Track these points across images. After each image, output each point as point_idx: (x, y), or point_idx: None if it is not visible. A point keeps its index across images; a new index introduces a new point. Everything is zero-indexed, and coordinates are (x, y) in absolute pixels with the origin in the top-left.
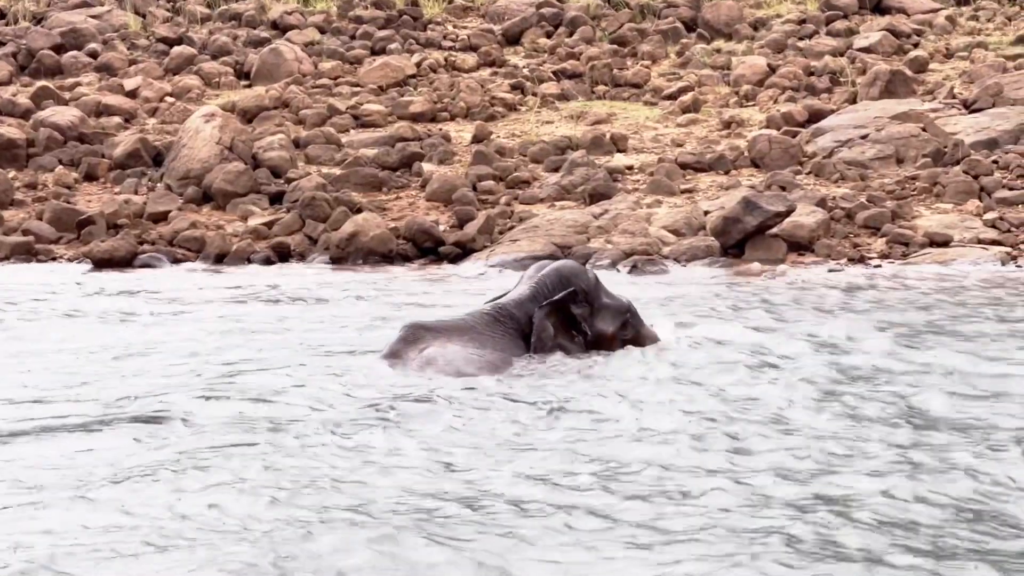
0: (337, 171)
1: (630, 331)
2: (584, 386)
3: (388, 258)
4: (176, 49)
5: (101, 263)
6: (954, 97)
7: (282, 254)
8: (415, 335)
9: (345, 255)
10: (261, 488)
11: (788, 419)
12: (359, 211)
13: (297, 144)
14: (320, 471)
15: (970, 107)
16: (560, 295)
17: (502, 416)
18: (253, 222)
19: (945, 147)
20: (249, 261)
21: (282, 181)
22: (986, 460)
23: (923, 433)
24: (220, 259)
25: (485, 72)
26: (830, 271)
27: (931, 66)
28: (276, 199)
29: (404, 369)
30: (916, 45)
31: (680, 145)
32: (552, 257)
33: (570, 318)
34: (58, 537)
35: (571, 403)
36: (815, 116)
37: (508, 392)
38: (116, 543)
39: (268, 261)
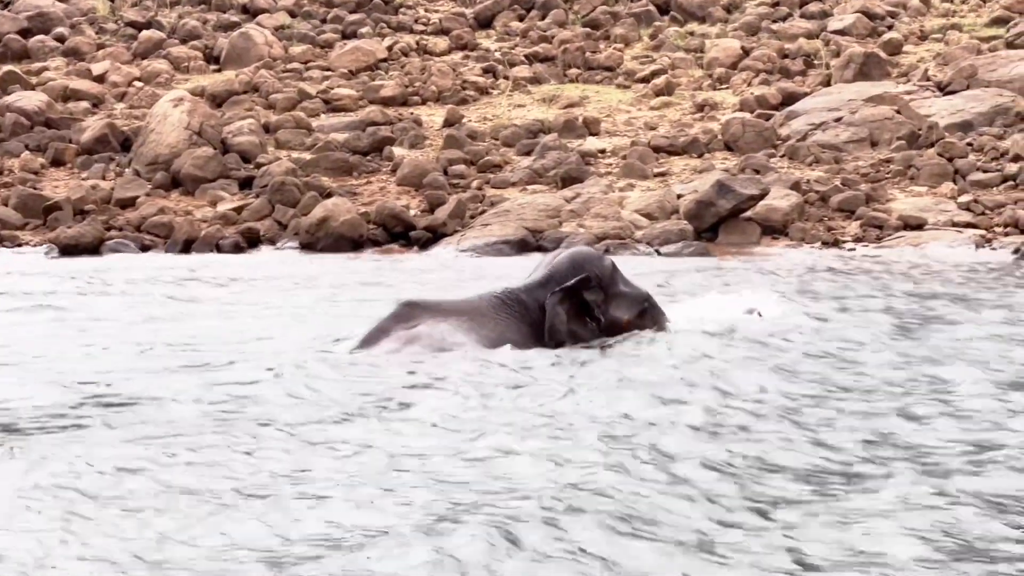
0: (307, 156)
1: (648, 321)
2: (559, 375)
3: (358, 243)
4: (145, 33)
5: (67, 249)
6: (928, 79)
7: (251, 240)
8: (407, 313)
9: (315, 240)
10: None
11: (766, 403)
12: (329, 196)
13: (267, 129)
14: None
15: (944, 89)
16: (573, 281)
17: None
18: (222, 207)
19: (919, 130)
20: (218, 247)
21: (251, 166)
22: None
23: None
24: (188, 245)
25: (457, 56)
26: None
27: (905, 48)
28: (245, 184)
29: (387, 345)
30: (890, 27)
31: (653, 128)
32: (523, 242)
33: (583, 305)
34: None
35: (537, 388)
36: (789, 99)
37: (477, 376)
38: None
39: (237, 247)
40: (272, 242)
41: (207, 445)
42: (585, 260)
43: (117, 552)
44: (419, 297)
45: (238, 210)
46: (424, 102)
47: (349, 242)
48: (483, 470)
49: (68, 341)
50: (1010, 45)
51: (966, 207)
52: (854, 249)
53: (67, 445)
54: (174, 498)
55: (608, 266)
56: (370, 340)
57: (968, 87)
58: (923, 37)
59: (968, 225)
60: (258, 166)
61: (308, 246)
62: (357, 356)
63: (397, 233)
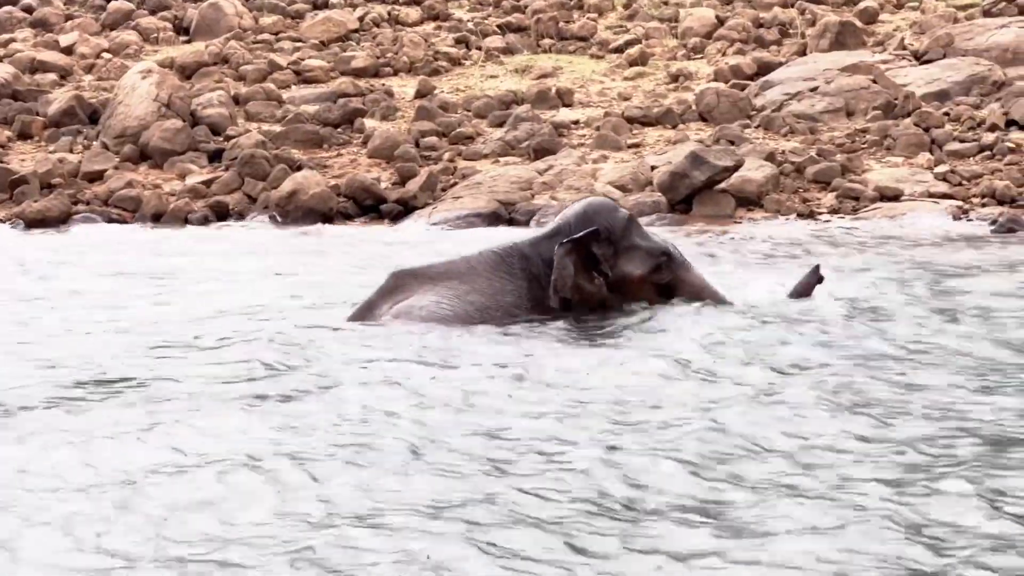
0: (277, 128)
1: (666, 275)
2: (540, 347)
3: (328, 216)
4: (113, 4)
5: (34, 223)
6: (904, 48)
7: (220, 213)
8: (397, 284)
9: (285, 214)
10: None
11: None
12: (299, 169)
13: (237, 101)
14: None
15: (921, 58)
16: (581, 233)
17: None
18: (191, 180)
19: (895, 99)
20: (187, 221)
21: (221, 138)
22: None
23: None
24: (157, 219)
25: (429, 26)
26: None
27: (881, 17)
28: (215, 157)
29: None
30: None
31: (627, 99)
32: (495, 214)
33: (592, 258)
34: None
35: (516, 366)
36: (764, 69)
37: (456, 353)
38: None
39: (206, 220)
40: (241, 216)
41: (211, 419)
42: (596, 211)
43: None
44: (409, 266)
45: (207, 183)
46: (396, 73)
47: (319, 215)
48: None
49: (40, 319)
50: (987, 13)
51: (943, 177)
52: (829, 221)
53: (60, 419)
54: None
55: (621, 217)
56: (357, 317)
57: (945, 56)
58: (899, 6)
59: (945, 196)
60: (228, 138)
61: (278, 220)
62: (345, 328)
63: (368, 206)
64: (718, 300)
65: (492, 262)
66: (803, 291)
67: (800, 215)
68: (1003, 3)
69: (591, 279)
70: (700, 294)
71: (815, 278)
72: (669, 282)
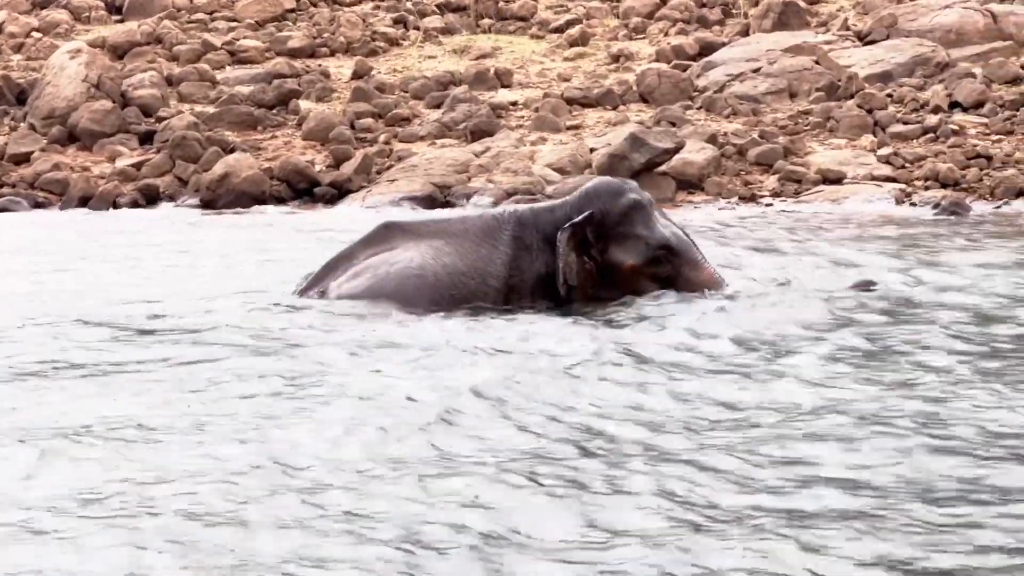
0: (211, 109)
1: (664, 270)
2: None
3: (261, 200)
4: None
5: None
6: (848, 29)
7: (150, 197)
8: (382, 235)
9: (216, 197)
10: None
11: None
12: (232, 151)
13: (169, 81)
14: None
15: (864, 39)
16: (579, 217)
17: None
18: (121, 163)
19: (839, 80)
20: (115, 204)
21: (152, 120)
22: None
23: None
24: (84, 202)
25: (367, 6)
26: (720, 209)
27: None
28: (146, 139)
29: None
30: None
31: (567, 80)
32: (430, 197)
33: (585, 243)
34: None
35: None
36: (706, 49)
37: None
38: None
39: (135, 204)
40: (172, 199)
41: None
42: (596, 193)
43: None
44: (402, 219)
45: (137, 166)
46: (333, 54)
47: (251, 199)
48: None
49: None
50: None
51: (886, 160)
52: (771, 204)
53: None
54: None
55: (623, 203)
56: (331, 267)
57: (888, 37)
58: None
59: (888, 179)
60: (159, 120)
61: (209, 203)
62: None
63: (301, 189)
64: None
65: (485, 226)
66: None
67: (742, 198)
68: None
69: (583, 264)
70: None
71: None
72: (669, 277)
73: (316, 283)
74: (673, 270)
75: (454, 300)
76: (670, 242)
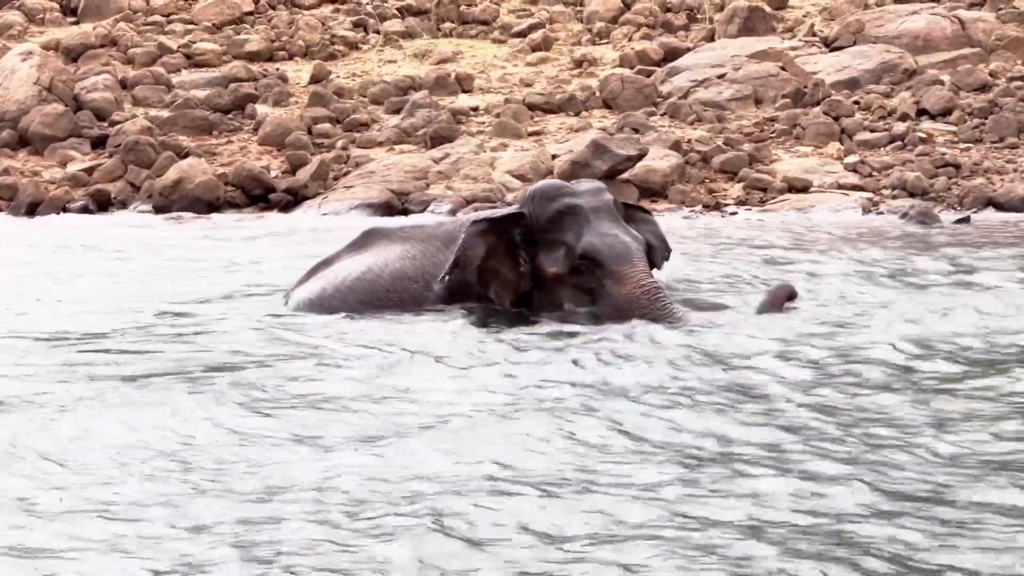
0: (165, 113)
1: (587, 281)
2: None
3: (215, 206)
4: None
5: None
6: (814, 35)
7: (102, 202)
8: (365, 240)
9: (169, 203)
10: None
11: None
12: (186, 156)
13: (124, 85)
14: None
15: (831, 45)
16: (502, 213)
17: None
18: (72, 168)
19: (805, 87)
20: (65, 210)
21: (106, 124)
22: None
23: None
24: (33, 208)
25: (327, 9)
26: (684, 218)
27: (791, 2)
28: (99, 143)
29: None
30: None
31: (529, 85)
32: (387, 204)
33: (511, 244)
34: None
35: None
36: (671, 54)
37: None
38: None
39: (86, 210)
40: (124, 205)
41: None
42: (534, 194)
43: None
44: (384, 226)
45: (89, 171)
46: (291, 57)
47: (205, 205)
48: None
49: None
50: (897, 0)
51: (853, 168)
52: (736, 213)
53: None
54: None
55: (555, 207)
56: (312, 271)
57: (855, 43)
58: None
59: (855, 187)
60: (112, 124)
61: (162, 209)
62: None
63: (256, 195)
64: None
65: (448, 233)
66: (772, 306)
67: (706, 206)
68: None
69: (514, 267)
70: (624, 311)
71: (786, 293)
72: (593, 289)
73: (297, 285)
74: (595, 282)
75: (388, 303)
76: (593, 251)
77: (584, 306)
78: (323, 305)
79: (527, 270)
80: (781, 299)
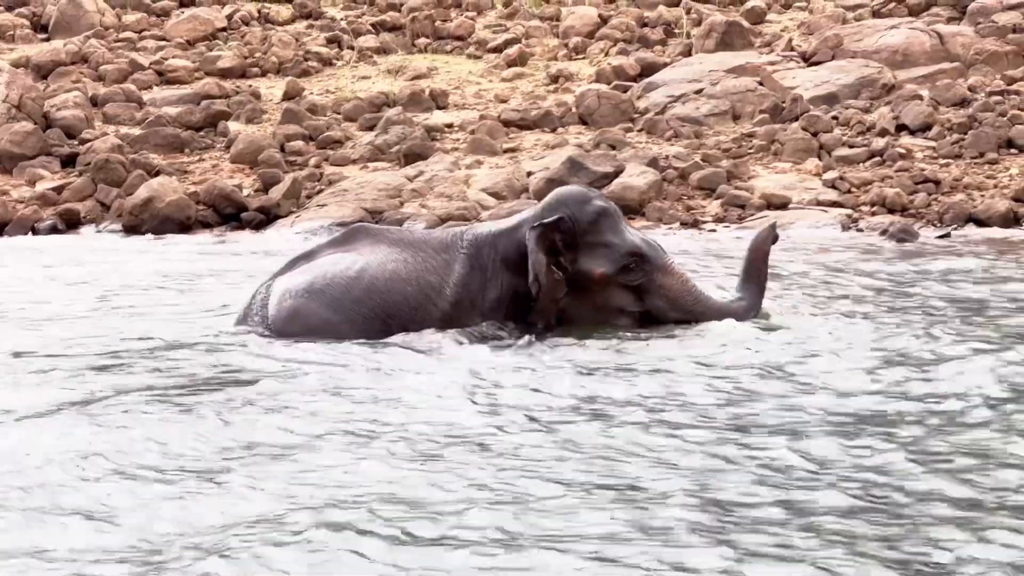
0: (136, 131)
1: (636, 277)
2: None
3: (186, 225)
4: None
5: None
6: (792, 49)
7: (71, 222)
8: (349, 238)
9: (139, 222)
10: None
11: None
12: (156, 175)
13: (95, 102)
14: None
15: (809, 60)
16: (547, 219)
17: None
18: (41, 187)
19: (783, 102)
20: (33, 230)
21: (76, 142)
22: None
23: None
24: (1, 228)
25: (300, 25)
26: (663, 235)
27: (769, 17)
28: (69, 162)
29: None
30: None
31: (504, 101)
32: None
33: (553, 249)
34: None
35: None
36: (648, 69)
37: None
38: None
39: (55, 229)
40: (94, 224)
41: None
42: (563, 200)
43: None
44: (371, 225)
45: (58, 190)
46: (264, 74)
47: (176, 224)
48: None
49: None
50: (876, 14)
51: (832, 184)
52: (714, 230)
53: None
54: None
55: (591, 210)
56: (292, 263)
57: (833, 58)
58: (787, 5)
59: (834, 204)
60: (83, 142)
61: (132, 229)
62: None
63: (228, 214)
64: (696, 313)
65: (441, 241)
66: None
67: (684, 223)
68: (892, 4)
69: (551, 272)
70: (677, 301)
71: (771, 235)
72: (641, 285)
73: (274, 277)
74: (645, 277)
75: (383, 305)
76: (641, 248)
77: (630, 304)
78: (314, 296)
79: (560, 277)
80: (767, 242)
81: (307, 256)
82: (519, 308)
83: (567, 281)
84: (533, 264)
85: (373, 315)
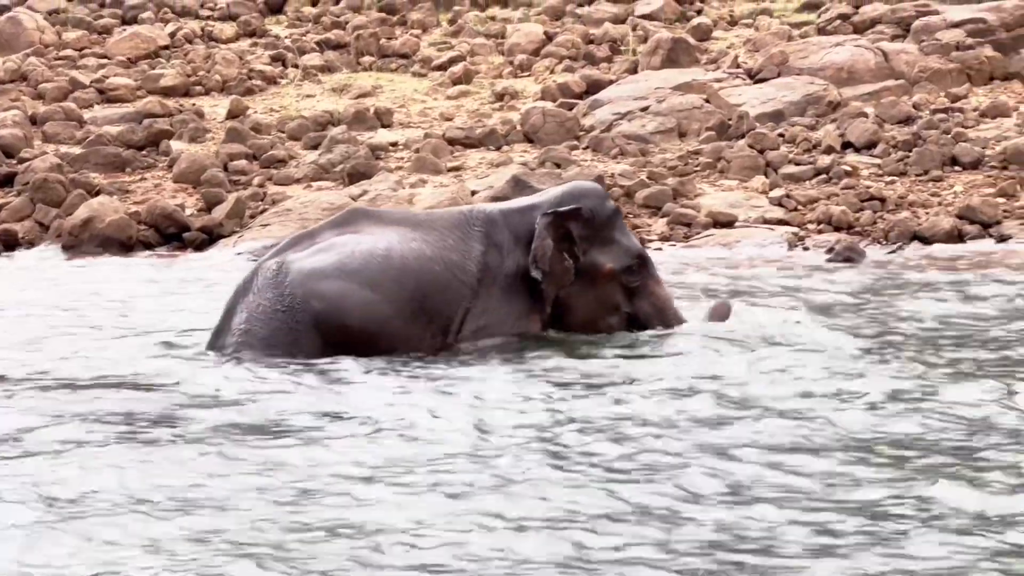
0: (77, 150)
1: (636, 279)
2: None
3: (127, 246)
4: None
5: None
6: (738, 66)
7: (9, 243)
8: (348, 219)
9: (79, 243)
10: None
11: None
12: (97, 194)
13: (34, 121)
14: None
15: (755, 77)
16: (566, 208)
17: None
18: None
19: (729, 119)
20: None
21: (14, 161)
22: None
23: None
24: None
25: (244, 43)
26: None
27: (715, 34)
28: (6, 181)
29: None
30: (699, 12)
31: (449, 119)
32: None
33: (568, 237)
34: None
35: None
36: (593, 87)
37: None
38: None
39: None
40: (32, 244)
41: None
42: (584, 193)
43: None
44: (368, 207)
45: None
46: (207, 92)
47: (117, 244)
48: None
49: None
50: (821, 31)
51: (778, 202)
52: (660, 249)
53: None
54: None
55: (610, 207)
56: (295, 243)
57: (779, 75)
58: (733, 22)
59: (780, 222)
60: (21, 161)
61: (71, 249)
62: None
63: (170, 234)
64: (673, 327)
65: (452, 219)
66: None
67: None
68: (838, 21)
69: (562, 259)
70: (662, 312)
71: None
72: (637, 287)
73: (277, 255)
74: (641, 281)
75: (419, 285)
76: (644, 254)
77: (624, 304)
78: (351, 275)
79: (571, 265)
80: (721, 315)
81: (309, 236)
82: (529, 287)
83: (576, 271)
84: (536, 248)
85: (410, 295)
